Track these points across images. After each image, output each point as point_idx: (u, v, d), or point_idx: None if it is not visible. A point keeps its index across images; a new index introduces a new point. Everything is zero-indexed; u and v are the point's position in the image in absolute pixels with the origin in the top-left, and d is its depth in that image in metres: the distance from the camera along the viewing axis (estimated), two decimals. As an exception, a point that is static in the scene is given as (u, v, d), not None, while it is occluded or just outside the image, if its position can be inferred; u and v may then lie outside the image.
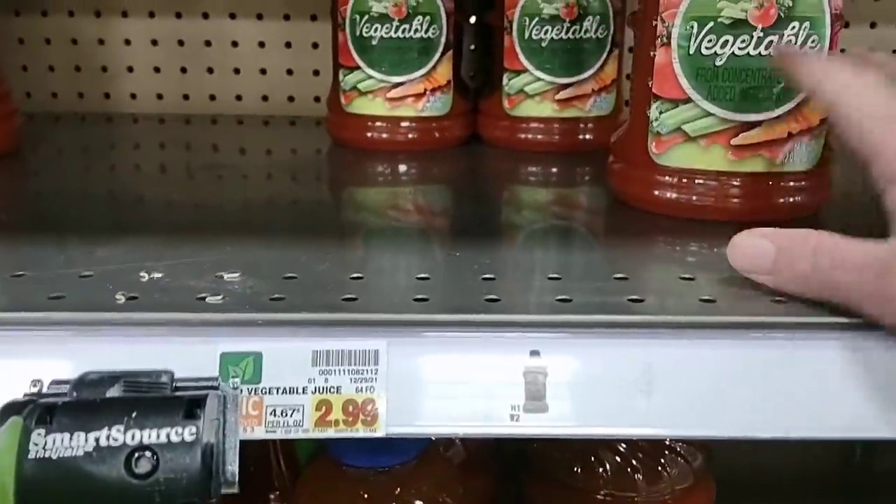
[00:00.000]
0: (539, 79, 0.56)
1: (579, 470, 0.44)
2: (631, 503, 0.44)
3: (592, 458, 0.44)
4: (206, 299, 0.29)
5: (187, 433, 0.22)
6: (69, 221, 0.41)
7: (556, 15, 0.55)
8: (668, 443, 0.44)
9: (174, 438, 0.22)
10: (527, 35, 0.56)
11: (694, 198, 0.39)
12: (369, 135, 0.58)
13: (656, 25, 0.38)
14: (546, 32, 0.55)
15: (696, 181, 0.39)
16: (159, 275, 0.31)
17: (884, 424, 0.27)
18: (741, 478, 0.84)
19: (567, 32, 0.55)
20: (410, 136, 0.57)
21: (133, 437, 0.21)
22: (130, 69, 0.75)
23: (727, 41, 0.37)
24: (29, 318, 0.27)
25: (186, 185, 0.51)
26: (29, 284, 0.30)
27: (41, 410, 0.22)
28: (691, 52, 0.38)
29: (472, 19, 0.64)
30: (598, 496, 0.44)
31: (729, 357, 0.28)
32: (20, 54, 0.74)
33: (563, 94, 0.57)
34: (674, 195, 0.39)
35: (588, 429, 0.27)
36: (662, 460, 0.44)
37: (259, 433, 0.27)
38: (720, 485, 0.74)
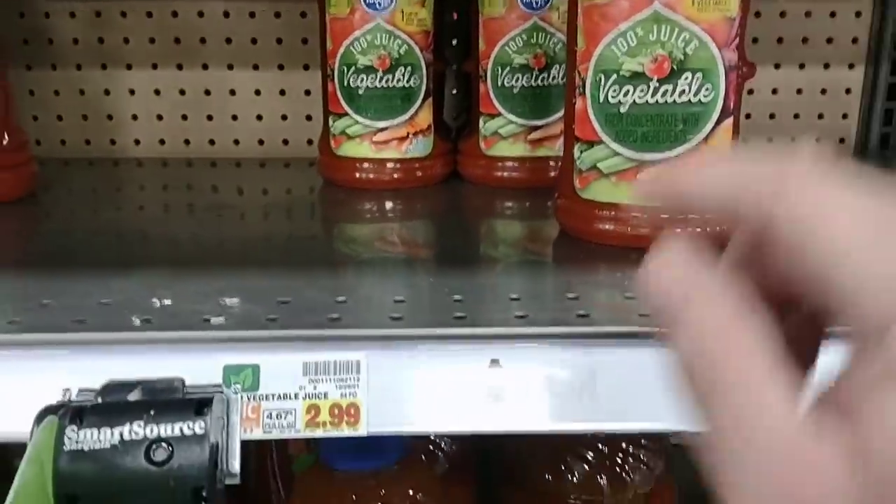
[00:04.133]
0: (512, 122, 0.62)
1: (550, 477, 0.48)
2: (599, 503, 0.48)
3: (562, 466, 0.48)
4: (210, 320, 0.33)
5: (197, 427, 0.26)
6: (83, 257, 0.45)
7: (525, 64, 0.60)
8: (631, 450, 0.48)
9: (186, 432, 0.26)
10: (500, 82, 0.61)
11: (610, 227, 0.44)
12: (357, 175, 0.62)
13: (574, 77, 0.44)
14: (517, 80, 0.60)
15: (610, 213, 0.44)
16: (168, 301, 0.36)
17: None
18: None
19: (536, 80, 0.60)
20: (395, 175, 0.62)
21: (151, 431, 0.26)
22: (135, 117, 0.80)
23: (628, 91, 0.42)
24: (59, 339, 0.32)
25: (188, 222, 0.56)
26: (55, 311, 0.35)
27: (73, 411, 0.26)
28: (600, 100, 0.43)
29: (454, 67, 0.70)
30: (569, 500, 0.48)
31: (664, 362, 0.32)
32: (31, 105, 0.79)
33: (534, 136, 0.62)
34: (596, 225, 0.44)
35: (542, 425, 0.32)
36: (627, 467, 0.48)
37: (258, 433, 0.31)
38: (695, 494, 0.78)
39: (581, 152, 0.45)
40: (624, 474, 0.48)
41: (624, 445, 0.48)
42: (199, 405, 0.26)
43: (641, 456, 0.48)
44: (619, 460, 0.48)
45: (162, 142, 0.81)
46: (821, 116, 0.82)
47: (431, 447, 0.51)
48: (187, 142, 0.81)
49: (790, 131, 0.83)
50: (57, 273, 0.41)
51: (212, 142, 0.81)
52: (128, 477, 0.25)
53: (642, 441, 0.49)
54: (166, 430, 0.26)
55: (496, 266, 0.44)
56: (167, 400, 0.27)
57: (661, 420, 0.32)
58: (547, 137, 0.62)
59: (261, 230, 0.54)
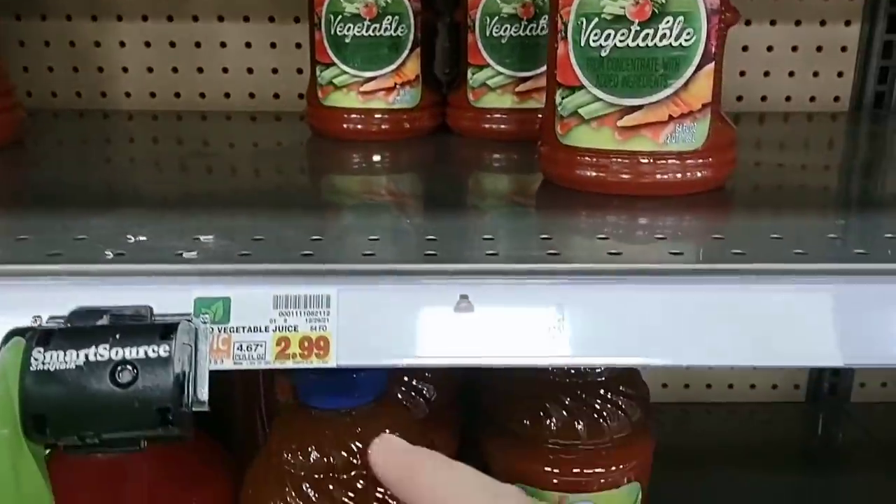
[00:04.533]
0: (500, 73, 0.61)
1: (528, 423, 0.49)
2: (575, 451, 0.48)
3: (541, 413, 0.49)
4: (183, 255, 0.34)
5: (162, 350, 0.26)
6: (66, 199, 0.46)
7: (514, 14, 0.60)
8: (609, 397, 0.49)
9: (151, 355, 0.26)
10: (488, 32, 0.60)
11: (590, 174, 0.44)
12: (345, 126, 0.62)
13: (557, 22, 0.43)
14: (505, 30, 0.60)
15: (590, 159, 0.44)
16: (143, 238, 0.36)
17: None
18: (707, 449, 0.88)
19: (524, 30, 0.60)
20: (382, 126, 0.62)
21: (117, 354, 0.26)
22: (125, 69, 0.80)
23: (609, 34, 0.41)
24: (30, 270, 0.32)
25: (175, 170, 0.56)
26: (31, 245, 0.35)
27: (40, 334, 0.27)
28: (582, 44, 0.42)
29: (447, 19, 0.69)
30: (546, 445, 0.48)
31: (631, 299, 0.32)
32: (21, 56, 0.79)
33: (522, 87, 0.61)
34: (576, 171, 0.44)
35: (508, 359, 0.32)
36: (605, 413, 0.48)
37: (228, 364, 0.31)
38: (685, 455, 0.78)
39: (562, 98, 0.44)
40: (601, 420, 0.48)
41: (602, 392, 0.49)
42: (164, 330, 0.27)
43: (620, 403, 0.49)
44: (597, 407, 0.48)
45: (153, 94, 0.80)
46: (816, 74, 0.82)
47: (413, 393, 0.52)
48: (178, 94, 0.80)
49: (785, 89, 0.82)
50: (36, 212, 0.41)
51: (202, 95, 0.80)
52: (93, 398, 0.26)
53: (620, 388, 0.49)
54: (131, 352, 0.26)
55: (474, 211, 0.44)
56: (134, 325, 0.27)
57: (628, 355, 0.32)
58: (536, 89, 0.61)
59: (245, 177, 0.54)
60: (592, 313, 0.32)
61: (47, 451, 0.28)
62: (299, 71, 0.80)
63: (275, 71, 0.80)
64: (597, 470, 0.48)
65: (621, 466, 0.49)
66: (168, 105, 0.80)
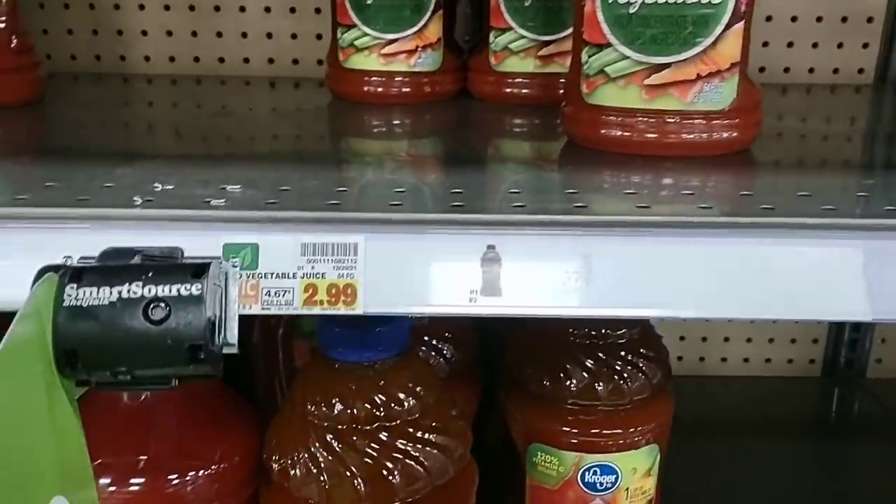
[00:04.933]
0: (522, 36, 0.61)
1: (549, 383, 0.49)
2: (594, 411, 0.48)
3: (560, 373, 0.49)
4: (211, 202, 0.34)
5: (194, 289, 0.26)
6: (90, 153, 0.46)
7: (538, -25, 0.59)
8: (629, 358, 0.49)
9: (183, 293, 0.26)
10: (511, -5, 0.60)
11: (616, 133, 0.43)
12: (365, 88, 0.62)
13: None
14: (529, -8, 0.59)
15: (616, 118, 0.43)
16: (171, 186, 0.36)
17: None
18: (722, 421, 0.88)
19: (548, -8, 0.59)
20: (403, 89, 0.62)
21: (149, 291, 0.26)
22: (144, 33, 0.80)
23: None
24: (60, 214, 0.32)
25: (196, 129, 0.56)
26: (58, 192, 0.35)
27: (73, 271, 0.27)
28: (610, 1, 0.42)
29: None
30: (565, 405, 0.49)
31: (660, 251, 0.32)
32: (41, 18, 0.79)
33: (545, 51, 0.61)
34: (601, 131, 0.44)
35: (535, 310, 0.32)
36: (625, 374, 0.48)
37: (256, 309, 0.32)
38: (700, 427, 0.78)
39: (589, 56, 0.44)
40: (621, 382, 0.48)
41: (622, 354, 0.49)
42: (196, 269, 0.27)
43: (640, 365, 0.49)
44: (617, 368, 0.48)
45: (172, 59, 0.80)
46: (840, 46, 0.80)
47: (434, 353, 0.52)
48: (197, 59, 0.80)
49: (808, 61, 0.81)
50: (61, 163, 0.42)
51: (221, 59, 0.80)
52: (126, 334, 0.26)
53: (641, 350, 0.49)
54: (164, 290, 0.26)
55: (497, 169, 0.44)
56: (166, 265, 0.27)
57: (655, 307, 0.32)
58: (558, 53, 0.61)
59: (265, 137, 0.54)
60: (621, 265, 0.32)
61: (83, 391, 0.28)
62: (318, 37, 0.79)
63: (294, 36, 0.80)
64: (615, 431, 0.48)
65: (640, 428, 0.49)
66: (187, 69, 0.80)
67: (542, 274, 0.32)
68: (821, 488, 0.77)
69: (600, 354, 0.49)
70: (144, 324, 0.26)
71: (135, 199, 0.34)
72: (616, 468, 0.48)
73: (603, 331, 0.49)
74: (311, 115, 0.63)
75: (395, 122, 0.58)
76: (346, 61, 0.62)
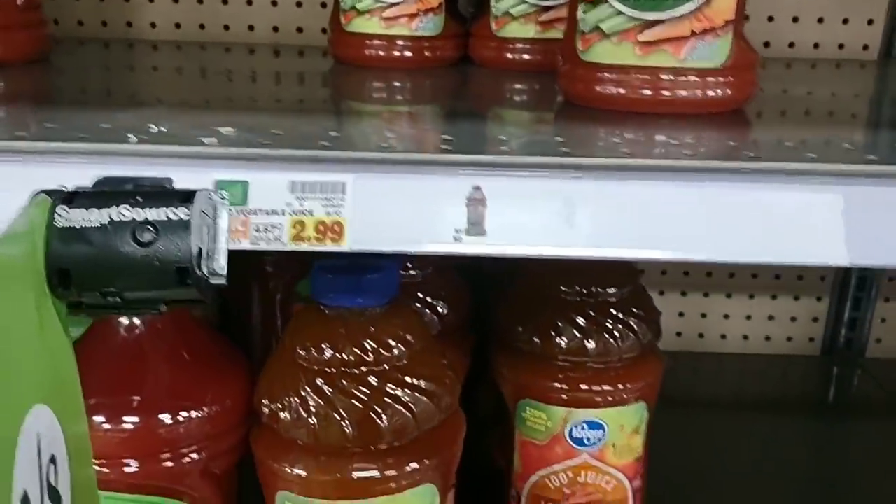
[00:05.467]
0: (523, 1, 0.61)
1: (539, 340, 0.50)
2: (583, 368, 0.49)
3: (551, 331, 0.49)
4: (204, 141, 0.34)
5: (182, 213, 0.27)
6: (91, 101, 0.47)
7: (539, -60, 0.59)
8: (619, 316, 0.49)
9: (171, 217, 0.27)
10: (512, -41, 0.60)
11: (610, 90, 0.43)
12: (367, 52, 0.62)
13: None
14: (530, -43, 0.60)
15: (611, 75, 0.43)
16: (165, 128, 0.37)
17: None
18: (720, 397, 0.89)
19: (549, -43, 0.59)
20: (405, 53, 0.62)
21: (138, 215, 0.27)
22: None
23: None
24: (57, 148, 0.33)
25: (199, 87, 0.56)
26: (57, 131, 0.36)
27: (66, 195, 0.28)
28: None
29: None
30: (555, 362, 0.49)
31: (643, 194, 0.33)
32: (50, -17, 0.80)
33: (545, 16, 0.61)
34: (596, 88, 0.44)
35: (519, 249, 0.33)
36: (614, 332, 0.49)
37: (245, 244, 0.32)
38: (698, 403, 0.79)
39: (584, 13, 0.44)
40: (610, 339, 0.49)
41: (612, 312, 0.49)
42: (184, 195, 0.28)
43: (630, 323, 0.49)
44: (607, 326, 0.49)
45: (178, 25, 0.81)
46: (845, 21, 0.80)
47: (427, 310, 0.53)
48: (202, 26, 0.81)
49: (813, 36, 0.81)
50: (61, 108, 0.42)
51: (226, 27, 0.81)
52: (115, 255, 0.27)
53: (631, 309, 0.50)
54: (152, 214, 0.27)
55: (490, 121, 0.45)
56: (155, 191, 0.28)
57: (634, 248, 0.33)
58: (558, 19, 0.61)
59: (268, 94, 0.55)
60: (602, 207, 0.33)
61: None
62: (323, 5, 0.80)
63: (299, 4, 0.80)
64: (604, 387, 0.49)
65: (628, 385, 0.49)
66: (192, 36, 0.81)
67: (526, 215, 0.33)
68: (815, 465, 0.78)
69: (591, 312, 0.49)
70: (133, 246, 0.27)
71: (130, 136, 0.35)
72: (603, 424, 0.49)
73: (593, 289, 0.50)
74: (312, 78, 0.64)
75: (396, 83, 0.58)
76: (348, 25, 0.63)
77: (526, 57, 0.62)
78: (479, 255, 0.33)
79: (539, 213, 0.33)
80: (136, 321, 0.41)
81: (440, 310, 0.52)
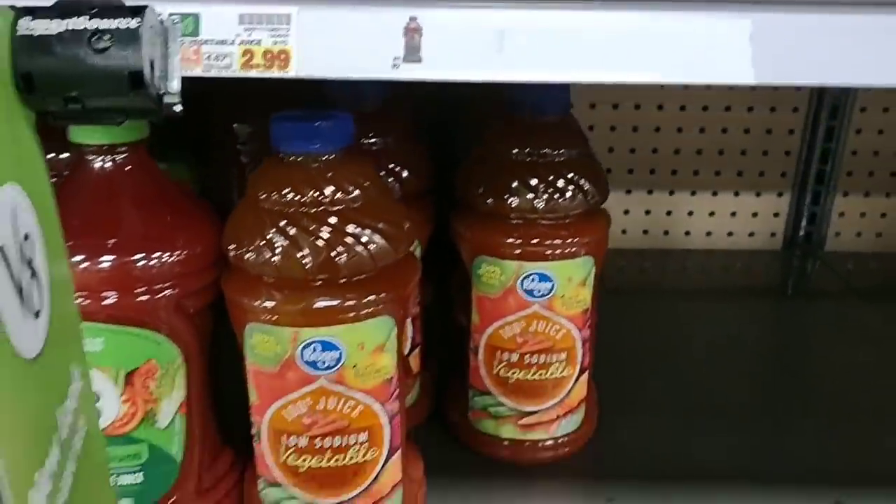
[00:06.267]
0: None
1: (492, 201, 0.53)
2: (534, 224, 0.52)
3: (505, 192, 0.53)
4: (160, -18, 0.37)
5: (132, 23, 0.30)
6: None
7: None
8: (569, 176, 0.52)
9: (122, 26, 0.30)
10: None
11: None
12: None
13: None
14: None
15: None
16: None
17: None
18: (684, 289, 0.93)
19: None
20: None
21: (94, 24, 0.30)
22: None
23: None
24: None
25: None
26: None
27: (26, 9, 0.30)
28: None
29: None
30: (508, 220, 0.53)
31: (567, 19, 0.35)
32: None
33: None
34: None
35: (451, 73, 0.35)
36: (564, 191, 0.52)
37: (198, 71, 0.35)
38: (662, 295, 0.82)
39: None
40: (560, 197, 0.52)
41: (563, 172, 0.52)
42: (134, 9, 0.30)
43: (579, 182, 0.53)
44: (558, 186, 0.52)
45: None
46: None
47: (391, 178, 0.56)
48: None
49: None
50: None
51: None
52: (74, 61, 0.29)
53: (580, 168, 0.53)
54: (105, 24, 0.30)
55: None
56: (109, 5, 0.31)
57: (558, 71, 0.35)
58: None
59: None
60: (530, 35, 0.35)
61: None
62: None
63: None
64: (553, 241, 0.52)
65: (576, 240, 0.53)
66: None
67: (459, 44, 0.35)
68: (774, 346, 0.82)
69: (541, 173, 0.52)
70: (89, 52, 0.29)
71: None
72: (552, 276, 0.53)
73: (544, 150, 0.53)
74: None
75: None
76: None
77: None
78: (415, 79, 0.36)
79: (471, 41, 0.35)
80: (113, 169, 0.44)
81: (403, 175, 0.55)
